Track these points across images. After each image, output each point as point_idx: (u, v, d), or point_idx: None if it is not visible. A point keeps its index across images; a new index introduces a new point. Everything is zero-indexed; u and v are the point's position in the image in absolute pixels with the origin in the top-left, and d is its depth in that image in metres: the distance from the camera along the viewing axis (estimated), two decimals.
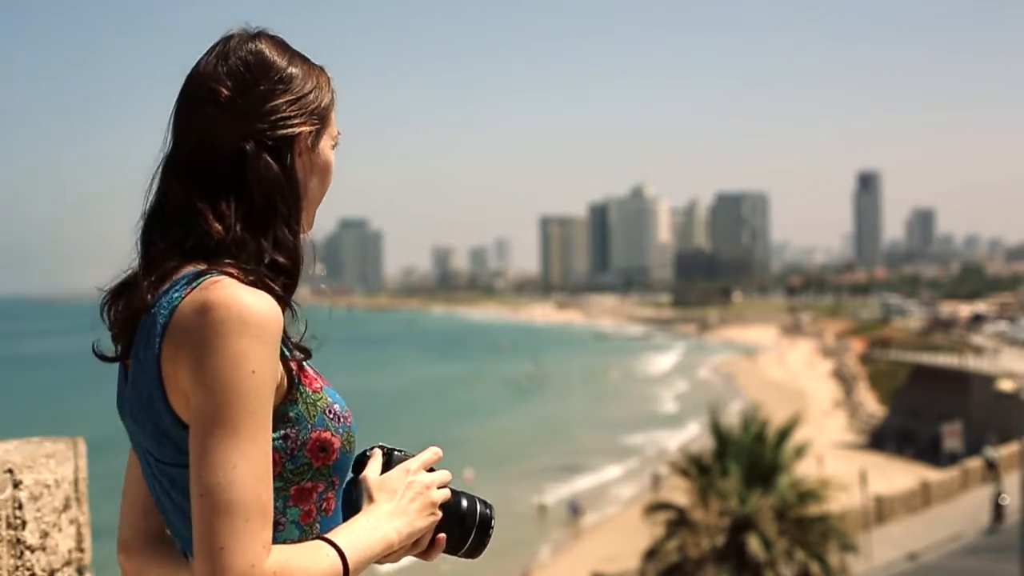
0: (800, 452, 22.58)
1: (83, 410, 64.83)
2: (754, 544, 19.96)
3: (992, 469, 36.44)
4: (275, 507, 1.27)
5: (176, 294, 1.28)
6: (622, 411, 65.91)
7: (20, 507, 2.13)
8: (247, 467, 1.20)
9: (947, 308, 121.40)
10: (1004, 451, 37.57)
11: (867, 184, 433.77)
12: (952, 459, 39.63)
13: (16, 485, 2.12)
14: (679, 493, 22.58)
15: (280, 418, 1.29)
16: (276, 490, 1.28)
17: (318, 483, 1.34)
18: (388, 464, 1.46)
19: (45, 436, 2.39)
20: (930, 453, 44.49)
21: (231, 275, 1.28)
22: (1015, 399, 43.47)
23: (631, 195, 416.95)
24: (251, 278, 1.29)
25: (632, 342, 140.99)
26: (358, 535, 1.33)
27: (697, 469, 21.83)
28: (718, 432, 22.57)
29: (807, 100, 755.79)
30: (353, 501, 1.42)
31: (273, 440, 1.27)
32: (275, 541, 1.26)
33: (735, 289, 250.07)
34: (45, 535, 2.21)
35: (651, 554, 21.24)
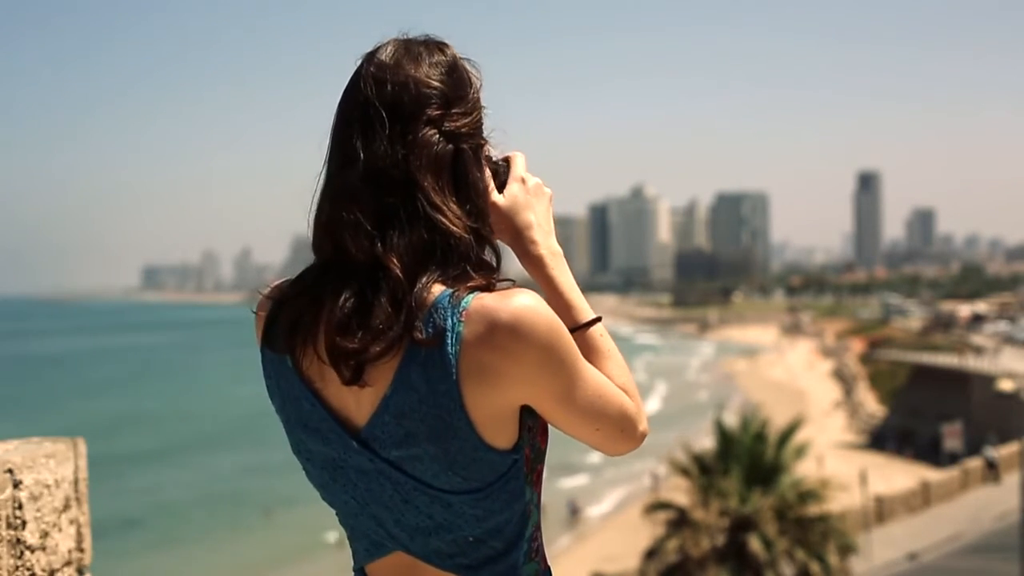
0: (800, 452, 22.58)
1: (83, 410, 65.02)
2: (754, 544, 19.97)
3: (992, 469, 36.46)
4: (529, 495, 1.39)
5: (450, 320, 1.28)
6: None
7: (20, 507, 2.13)
8: (602, 379, 1.39)
9: (947, 308, 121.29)
10: (1004, 451, 37.58)
11: (867, 184, 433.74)
12: (952, 459, 39.63)
13: (16, 485, 2.12)
14: (679, 493, 22.58)
15: (527, 411, 1.36)
16: (529, 481, 1.38)
17: (543, 465, 1.43)
18: (495, 176, 1.52)
19: (45, 436, 2.39)
20: (930, 453, 44.48)
21: (477, 287, 1.32)
22: (1015, 399, 43.67)
23: (631, 195, 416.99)
24: (490, 284, 1.34)
25: (633, 343, 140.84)
26: (573, 286, 1.51)
27: (698, 469, 21.83)
28: (721, 432, 22.56)
29: (807, 100, 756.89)
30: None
31: (524, 433, 1.37)
32: (524, 525, 1.39)
33: (735, 289, 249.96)
34: (45, 535, 2.21)
35: (651, 554, 21.24)
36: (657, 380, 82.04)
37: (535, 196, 1.52)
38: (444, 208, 1.33)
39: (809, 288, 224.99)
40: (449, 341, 1.27)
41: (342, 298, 1.31)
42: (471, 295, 1.30)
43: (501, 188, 1.51)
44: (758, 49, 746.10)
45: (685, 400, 68.97)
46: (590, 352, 1.43)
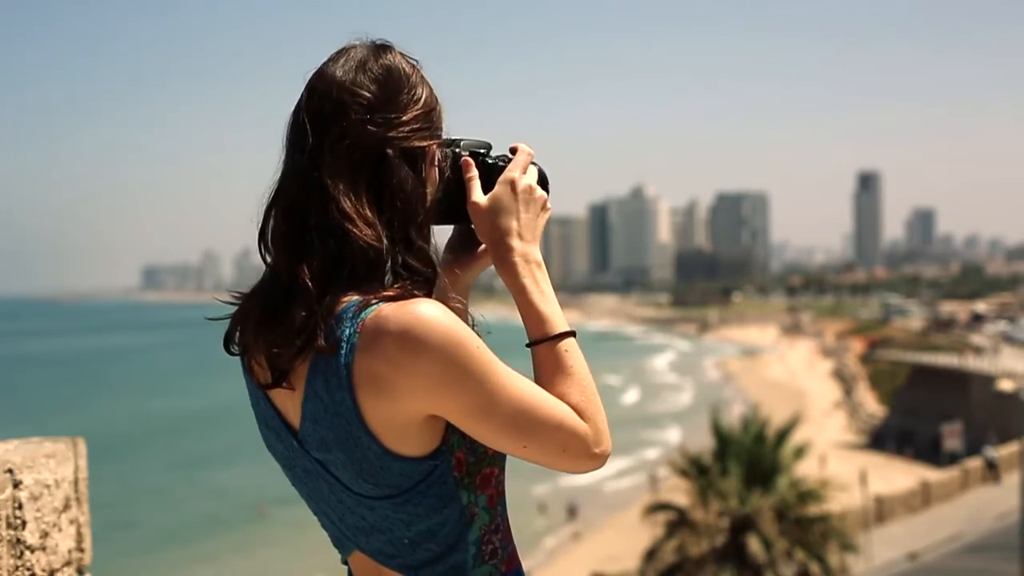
0: (800, 452, 22.57)
1: (83, 410, 65.04)
2: (754, 544, 19.95)
3: (992, 469, 36.47)
4: (468, 499, 1.38)
5: (347, 330, 1.29)
6: (624, 409, 65.91)
7: (20, 507, 2.13)
8: (532, 395, 1.34)
9: (947, 308, 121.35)
10: (1004, 451, 37.60)
11: (867, 184, 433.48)
12: (952, 459, 39.65)
13: (16, 485, 2.12)
14: (679, 493, 22.57)
15: None
16: (465, 484, 1.37)
17: (494, 467, 1.41)
18: (487, 174, 1.49)
19: (45, 436, 2.39)
20: (930, 453, 44.51)
21: (388, 298, 1.31)
22: (1015, 399, 43.64)
23: (631, 195, 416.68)
24: (403, 294, 1.32)
25: (634, 341, 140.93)
26: (547, 297, 1.45)
27: (697, 469, 21.82)
28: (719, 432, 22.55)
29: (807, 100, 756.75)
30: (468, 223, 1.50)
31: (454, 438, 1.35)
32: (469, 529, 1.38)
33: (735, 289, 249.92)
34: (45, 535, 2.21)
35: (651, 554, 21.24)
36: (684, 378, 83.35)
37: (523, 200, 1.48)
38: (354, 216, 1.32)
39: (809, 288, 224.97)
40: (343, 351, 1.28)
41: (265, 305, 1.36)
42: (375, 305, 1.30)
43: (492, 188, 1.49)
44: (758, 49, 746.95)
45: (711, 396, 69.20)
46: (551, 367, 1.40)
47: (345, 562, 1.46)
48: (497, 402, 1.31)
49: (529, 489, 40.00)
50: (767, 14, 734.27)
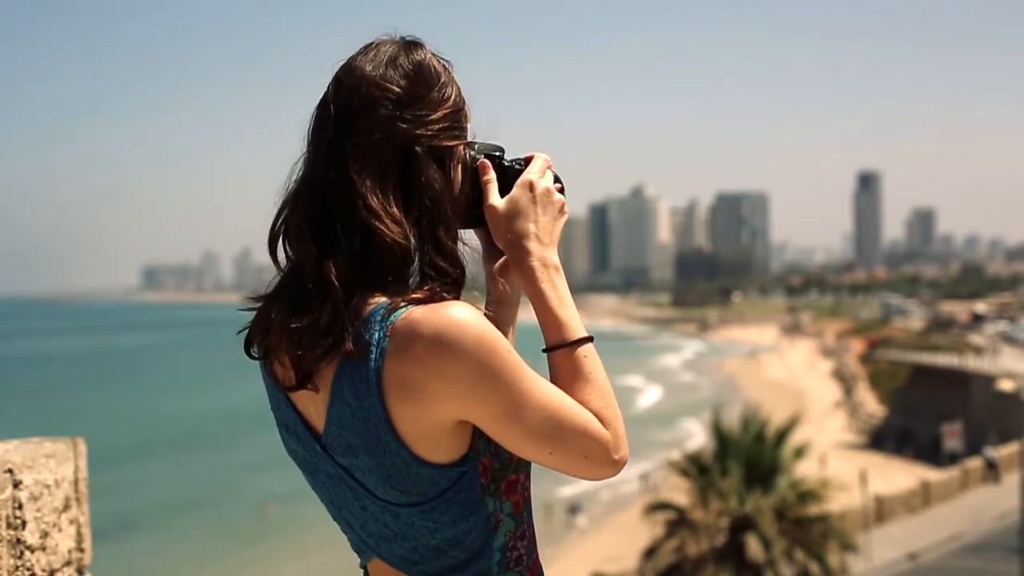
0: (800, 452, 22.57)
1: (83, 410, 65.00)
2: (754, 544, 19.94)
3: (992, 469, 36.46)
4: (493, 506, 1.36)
5: (376, 334, 1.27)
6: (645, 410, 65.80)
7: (20, 507, 2.13)
8: (559, 401, 1.33)
9: (947, 308, 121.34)
10: (1004, 451, 37.59)
11: (867, 184, 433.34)
12: (952, 459, 39.62)
13: (16, 485, 2.12)
14: (679, 493, 22.57)
15: None
16: (491, 491, 1.35)
17: (519, 474, 1.39)
18: (504, 177, 1.48)
19: (45, 436, 2.39)
20: (930, 453, 44.47)
21: (417, 300, 1.28)
22: (1015, 399, 43.67)
23: (631, 195, 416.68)
24: (432, 296, 1.30)
25: (640, 341, 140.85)
26: (565, 302, 1.43)
27: (697, 469, 21.82)
28: (719, 432, 22.56)
29: (807, 100, 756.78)
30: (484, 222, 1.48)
31: (480, 443, 1.33)
32: (494, 536, 1.36)
33: (735, 289, 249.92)
34: (45, 535, 2.21)
35: (650, 554, 21.23)
36: (701, 377, 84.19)
37: (540, 203, 1.46)
38: (381, 214, 1.30)
39: (809, 288, 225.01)
40: (373, 355, 1.26)
41: (289, 305, 1.33)
42: (404, 308, 1.27)
43: (508, 191, 1.47)
44: (758, 49, 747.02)
45: (730, 397, 69.37)
46: (570, 373, 1.38)
47: (364, 567, 1.45)
48: (527, 407, 1.29)
49: (538, 492, 39.84)
50: (768, 14, 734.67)
